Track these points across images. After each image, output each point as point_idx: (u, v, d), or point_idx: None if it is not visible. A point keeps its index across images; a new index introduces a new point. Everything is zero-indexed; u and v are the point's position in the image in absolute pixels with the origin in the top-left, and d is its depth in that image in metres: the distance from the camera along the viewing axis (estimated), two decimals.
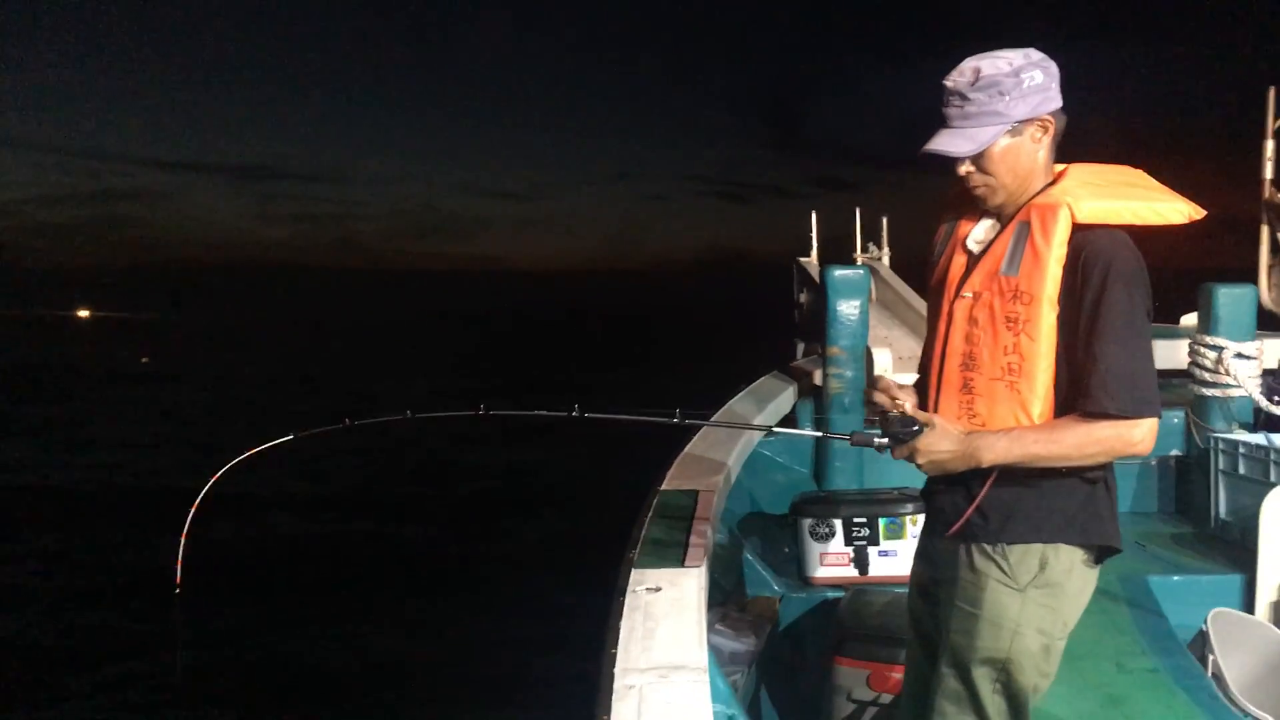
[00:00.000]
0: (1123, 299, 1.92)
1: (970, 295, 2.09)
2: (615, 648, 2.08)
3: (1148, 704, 2.81)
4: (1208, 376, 5.01)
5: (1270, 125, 6.04)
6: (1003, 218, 2.12)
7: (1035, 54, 2.03)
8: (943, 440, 2.03)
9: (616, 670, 1.96)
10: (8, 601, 9.18)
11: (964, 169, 2.07)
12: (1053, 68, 2.04)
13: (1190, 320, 7.45)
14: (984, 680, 2.12)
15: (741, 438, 4.37)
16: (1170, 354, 6.43)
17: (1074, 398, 1.98)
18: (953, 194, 2.21)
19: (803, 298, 8.17)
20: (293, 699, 7.13)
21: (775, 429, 2.55)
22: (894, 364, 5.45)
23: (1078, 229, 1.97)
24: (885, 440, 2.10)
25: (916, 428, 2.06)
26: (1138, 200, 2.00)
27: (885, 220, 12.21)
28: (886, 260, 11.73)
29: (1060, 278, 1.98)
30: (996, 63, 2.00)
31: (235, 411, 21.50)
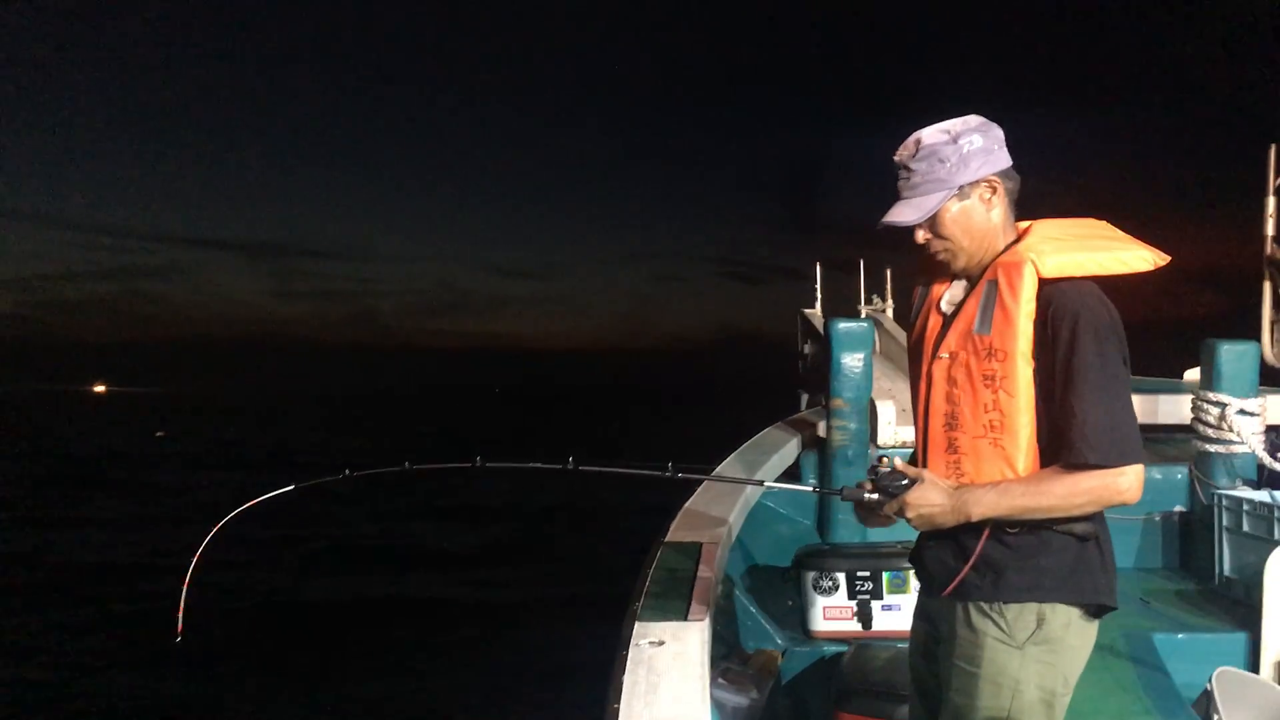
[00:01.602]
0: (1093, 350, 1.94)
1: (947, 355, 2.12)
2: (618, 703, 2.08)
3: None
4: (1211, 433, 5.00)
5: (1271, 182, 6.09)
6: (971, 278, 2.16)
7: (975, 119, 2.10)
8: (932, 494, 2.05)
9: None
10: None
11: (921, 236, 2.13)
12: (994, 130, 2.10)
13: (1193, 376, 7.44)
14: None
15: (744, 490, 4.37)
16: (1173, 409, 6.42)
17: (1057, 449, 1.99)
18: (924, 259, 2.24)
19: (807, 349, 8.19)
20: None
21: (769, 484, 2.55)
22: (897, 416, 5.44)
23: (1044, 283, 2.00)
24: (876, 495, 2.11)
25: (906, 482, 2.08)
26: (1101, 251, 2.03)
27: (889, 271, 12.24)
28: (890, 312, 11.73)
29: (1031, 333, 2.00)
30: (935, 133, 2.08)
31: (246, 480, 21.57)
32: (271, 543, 13.00)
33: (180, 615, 2.51)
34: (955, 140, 2.06)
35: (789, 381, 8.60)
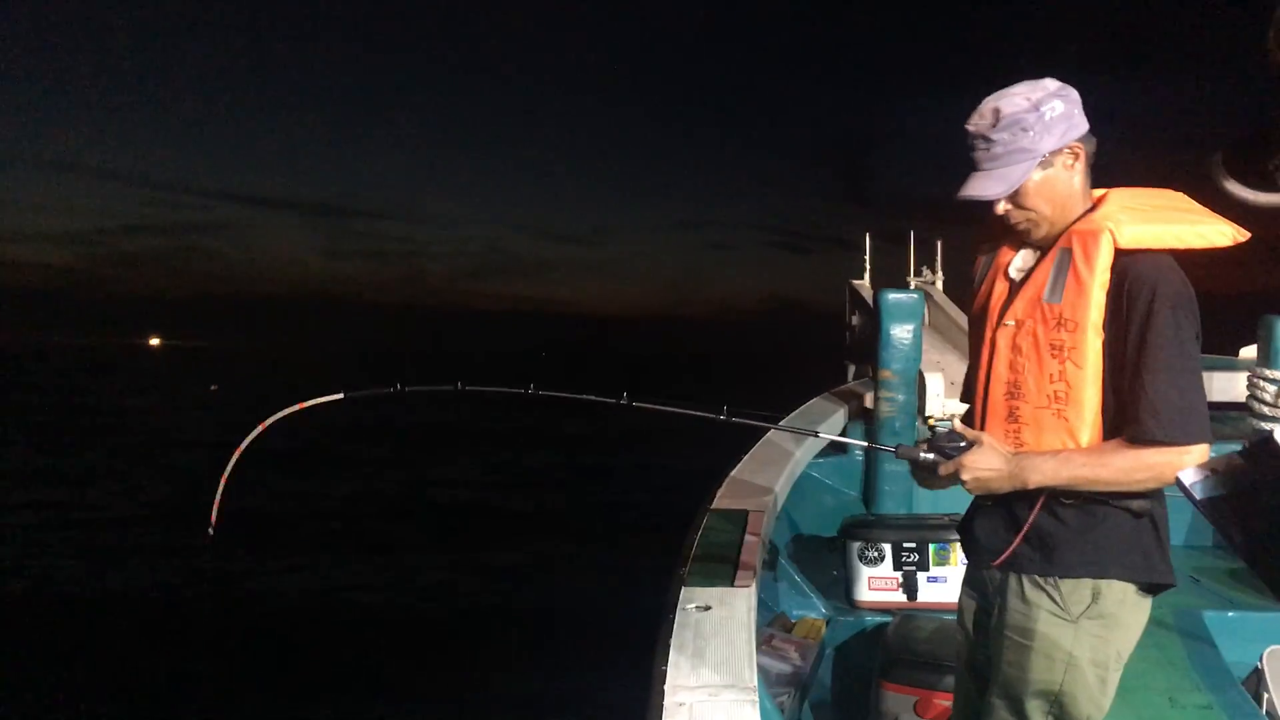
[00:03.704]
0: (1170, 325, 1.90)
1: (1013, 323, 2.08)
2: (665, 665, 2.10)
3: None
4: (1267, 410, 4.93)
5: None
6: (1044, 245, 2.11)
7: (1052, 83, 2.03)
8: (990, 458, 2.01)
9: (667, 688, 1.98)
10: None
11: (1002, 208, 2.06)
12: (1072, 94, 2.04)
13: (1249, 353, 7.32)
14: (1037, 713, 2.10)
15: (790, 460, 4.37)
16: (1228, 387, 6.32)
17: (1121, 424, 1.96)
18: (991, 224, 2.20)
19: (855, 320, 8.15)
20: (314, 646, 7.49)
21: (823, 434, 2.51)
22: (946, 389, 5.41)
23: (1120, 254, 1.96)
24: (932, 456, 2.08)
25: (964, 444, 2.04)
26: (1180, 223, 1.97)
27: (940, 243, 12.10)
28: (940, 284, 11.62)
29: (1104, 304, 1.96)
30: (1014, 100, 2.01)
31: (297, 429, 21.97)
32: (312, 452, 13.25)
33: (215, 512, 2.55)
34: (1037, 107, 2.00)
35: (836, 353, 8.56)
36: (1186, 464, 1.87)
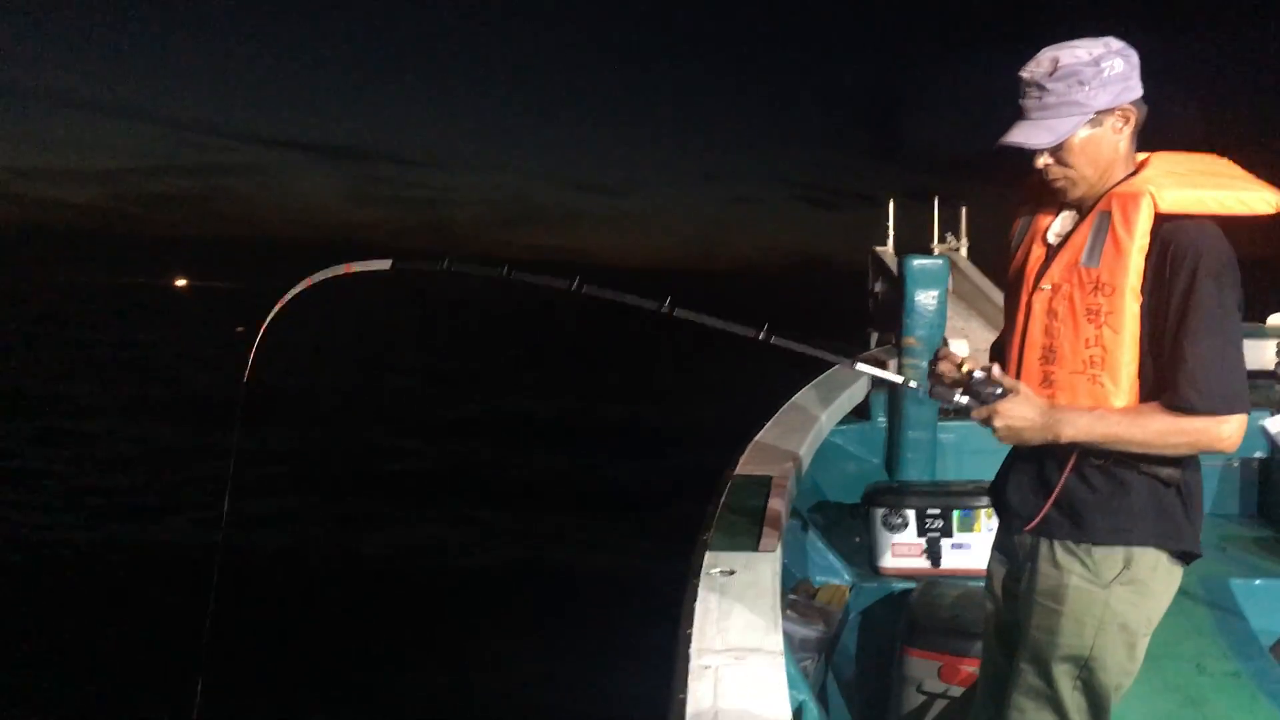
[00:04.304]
0: (1213, 292, 1.87)
1: (1049, 287, 2.05)
2: (690, 629, 2.10)
3: (1228, 707, 2.76)
4: None
5: None
6: (1082, 209, 2.07)
7: (1115, 42, 1.98)
8: (1025, 407, 1.97)
9: (692, 651, 1.98)
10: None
11: (1042, 161, 2.02)
12: (1133, 56, 1.99)
13: (1278, 320, 7.26)
14: (1065, 677, 2.09)
15: (814, 426, 4.36)
16: (1257, 355, 6.26)
17: (1159, 390, 1.93)
18: (1030, 186, 2.18)
19: (878, 287, 8.09)
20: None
21: (859, 365, 2.39)
22: (970, 356, 5.38)
23: (1161, 219, 1.92)
24: (966, 399, 2.03)
25: (1001, 391, 2.00)
26: (1223, 189, 1.93)
27: (965, 210, 11.99)
28: (965, 251, 11.52)
29: (1143, 268, 1.93)
30: (1076, 52, 1.96)
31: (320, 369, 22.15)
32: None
33: (250, 365, 2.56)
34: (1097, 63, 1.95)
35: (859, 317, 8.51)
36: (1224, 434, 1.88)
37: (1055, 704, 2.11)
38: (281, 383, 18.79)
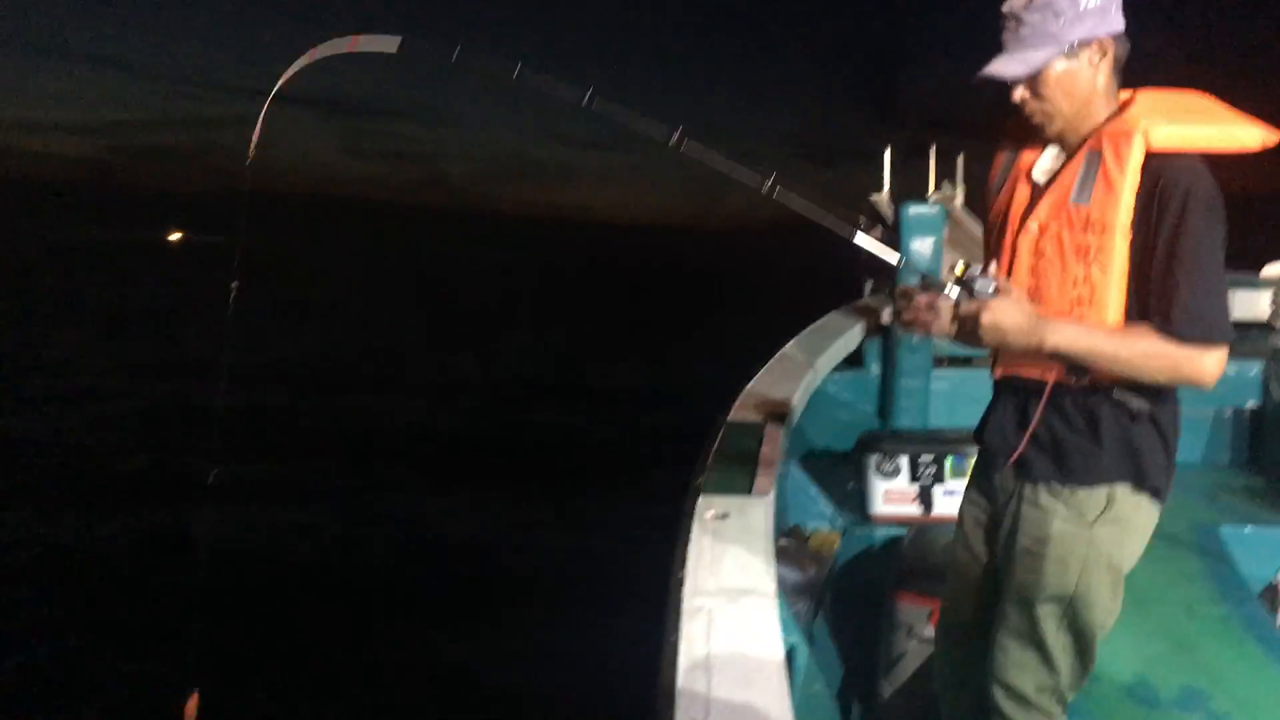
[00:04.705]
0: (1203, 226, 1.87)
1: (1036, 227, 2.03)
2: (683, 571, 2.10)
3: (1216, 650, 2.78)
4: None
5: None
6: (1066, 146, 2.06)
7: None
8: (1014, 309, 1.93)
9: (685, 592, 1.98)
10: None
11: (1019, 94, 2.01)
12: None
13: (1273, 271, 7.24)
14: (1051, 619, 2.10)
15: (807, 374, 4.35)
16: (1251, 305, 6.27)
17: (1146, 319, 1.93)
18: (1012, 125, 2.15)
19: (873, 235, 8.05)
20: None
21: (861, 238, 2.25)
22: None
23: (1152, 156, 1.91)
24: (957, 291, 1.98)
25: (995, 288, 1.95)
26: (1212, 125, 1.93)
27: (961, 159, 11.88)
28: (960, 199, 11.44)
29: (1134, 206, 1.91)
30: None
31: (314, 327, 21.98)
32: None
33: (254, 143, 2.52)
34: None
35: (853, 275, 8.47)
36: (1206, 366, 1.88)
37: (1042, 646, 2.12)
38: (267, 341, 18.73)
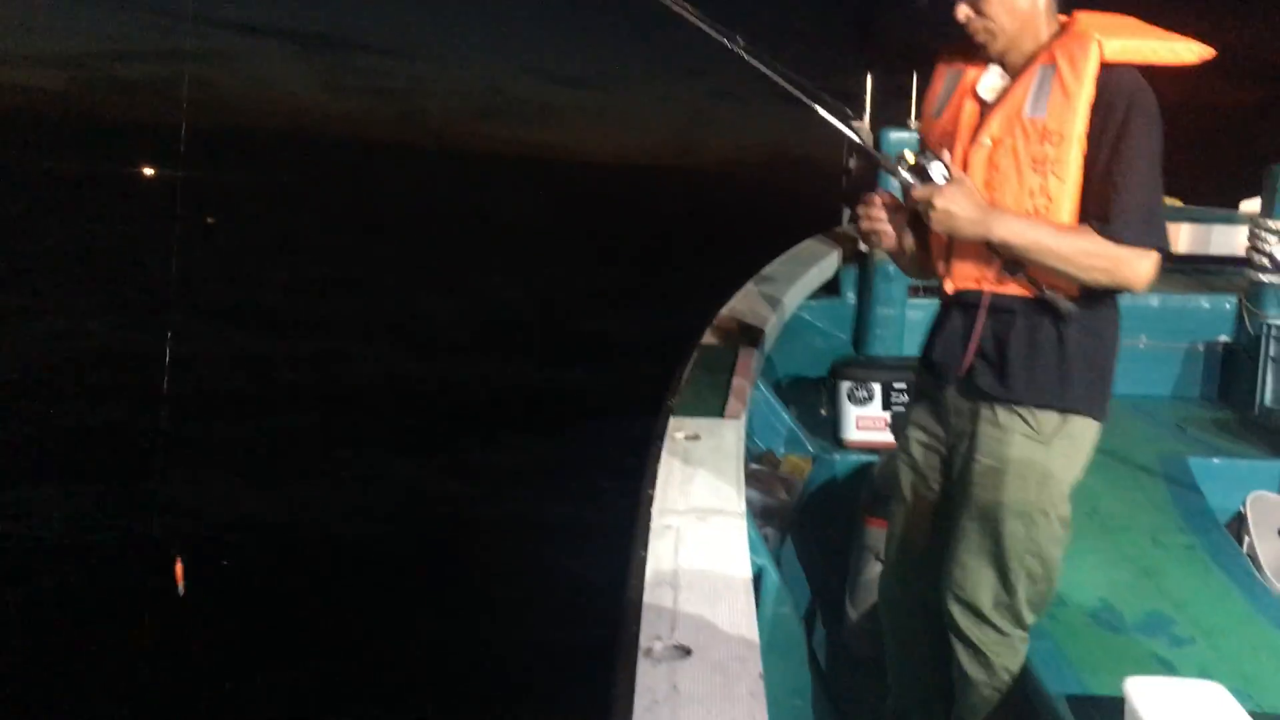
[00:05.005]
0: (1144, 133, 1.96)
1: (989, 142, 2.07)
2: (652, 490, 2.08)
3: (1182, 578, 2.80)
4: (1267, 262, 4.86)
5: None
6: (1009, 66, 2.11)
7: None
8: (966, 199, 2.01)
9: (654, 510, 1.96)
10: None
11: (963, 14, 2.07)
12: None
13: (1250, 206, 7.22)
14: (1010, 535, 2.13)
15: (782, 300, 4.31)
16: (1226, 240, 6.26)
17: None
18: (951, 48, 2.22)
19: (852, 164, 7.96)
20: None
21: (824, 113, 2.22)
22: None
23: (1104, 67, 1.97)
24: (910, 178, 2.05)
25: (947, 176, 2.04)
26: (1156, 40, 2.02)
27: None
28: None
29: (1088, 116, 1.97)
30: None
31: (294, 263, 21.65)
32: None
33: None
34: None
35: (834, 211, 8.38)
36: (1140, 270, 1.96)
37: (1001, 562, 2.15)
38: (240, 279, 18.37)
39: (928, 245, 2.27)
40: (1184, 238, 6.23)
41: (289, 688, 4.83)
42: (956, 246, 2.13)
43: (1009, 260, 2.05)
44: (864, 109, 10.38)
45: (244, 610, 5.50)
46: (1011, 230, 1.99)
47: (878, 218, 2.20)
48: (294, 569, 6.25)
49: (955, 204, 1.99)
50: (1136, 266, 1.95)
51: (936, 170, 2.03)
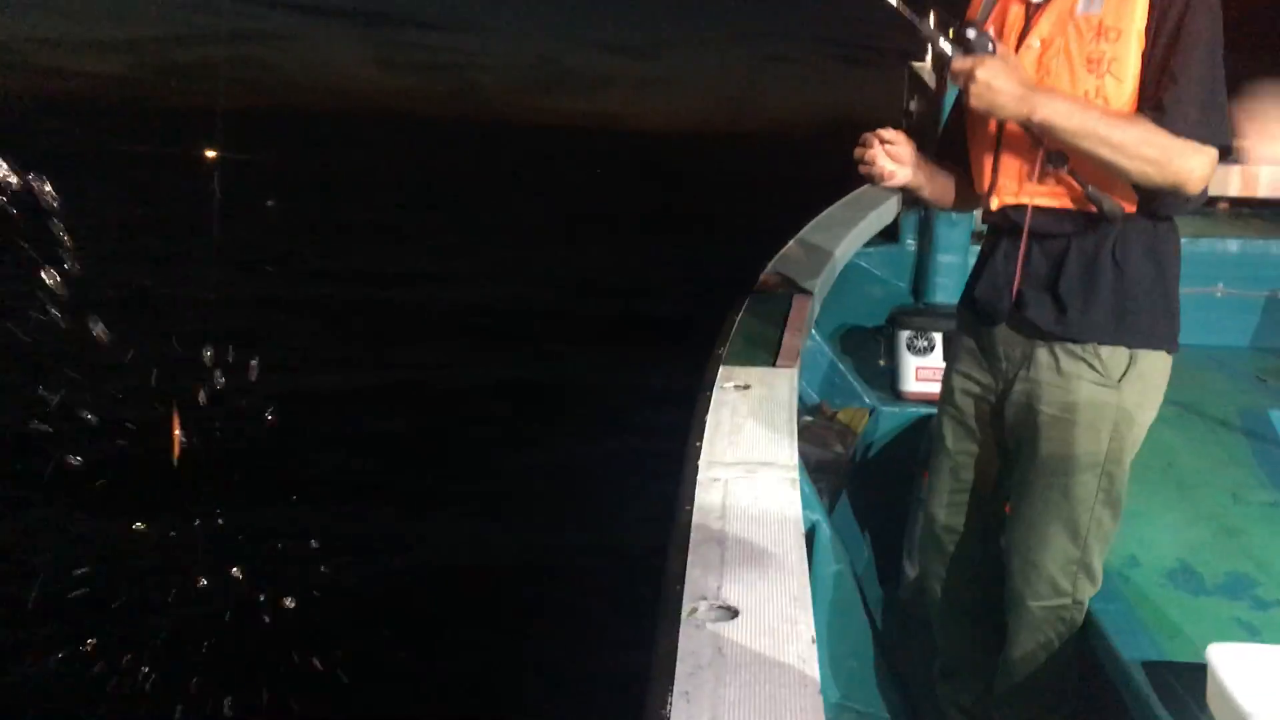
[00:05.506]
0: (1207, 24, 1.82)
1: (1039, 44, 1.93)
2: (700, 441, 1.97)
3: (1265, 536, 2.64)
4: None
5: None
6: None
7: None
8: (1010, 73, 1.84)
9: (701, 463, 1.85)
10: None
11: None
12: None
13: None
14: (1083, 486, 2.01)
15: (838, 246, 4.16)
16: None
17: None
18: None
19: (913, 106, 7.72)
20: None
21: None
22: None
23: None
24: (951, 48, 1.90)
25: (993, 48, 1.89)
26: None
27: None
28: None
29: (1148, 9, 1.84)
30: None
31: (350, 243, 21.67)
32: None
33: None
34: None
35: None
36: (1195, 165, 1.79)
37: (1072, 518, 2.03)
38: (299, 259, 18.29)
39: (967, 163, 2.14)
40: (1264, 180, 5.94)
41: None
42: (1001, 151, 2.00)
43: (1053, 151, 1.90)
44: (927, 49, 10.11)
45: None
46: (1057, 111, 1.83)
47: (872, 159, 2.09)
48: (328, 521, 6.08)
49: (998, 77, 1.82)
50: (1190, 160, 1.78)
51: (980, 41, 1.88)
